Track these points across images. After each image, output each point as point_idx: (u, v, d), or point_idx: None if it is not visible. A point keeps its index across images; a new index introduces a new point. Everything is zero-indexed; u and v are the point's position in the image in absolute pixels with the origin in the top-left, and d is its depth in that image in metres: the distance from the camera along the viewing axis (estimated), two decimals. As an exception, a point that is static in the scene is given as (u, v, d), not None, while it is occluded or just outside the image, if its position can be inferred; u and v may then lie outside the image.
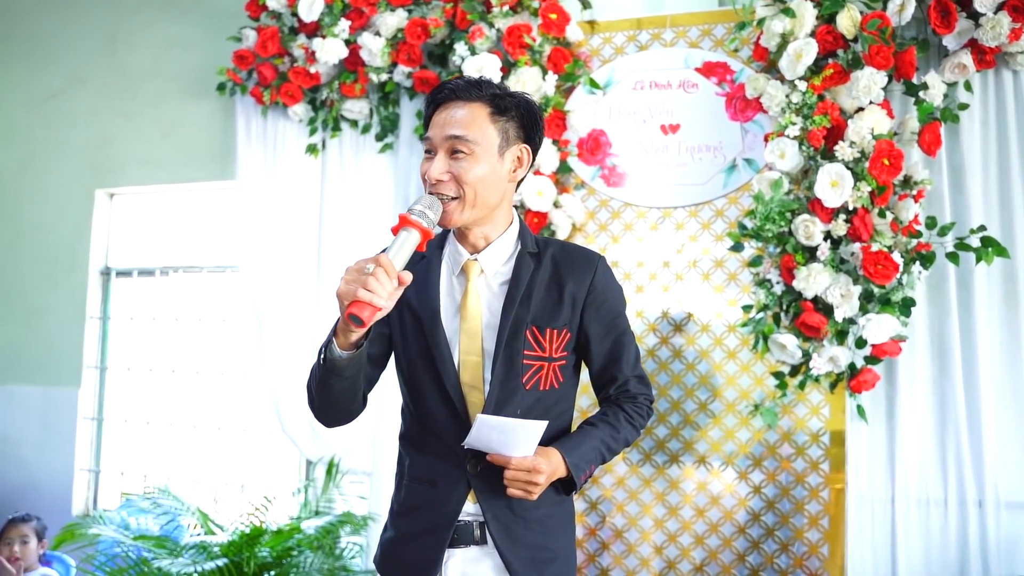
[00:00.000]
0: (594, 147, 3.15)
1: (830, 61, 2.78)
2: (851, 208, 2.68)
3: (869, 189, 2.65)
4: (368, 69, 3.26)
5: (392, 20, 3.19)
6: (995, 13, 2.66)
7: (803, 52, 2.74)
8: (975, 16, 2.71)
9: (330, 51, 3.22)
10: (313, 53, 3.29)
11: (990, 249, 2.62)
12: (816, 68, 2.79)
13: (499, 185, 1.61)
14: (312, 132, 3.48)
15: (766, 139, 2.85)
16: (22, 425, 4.07)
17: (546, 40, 3.08)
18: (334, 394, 1.55)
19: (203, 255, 3.94)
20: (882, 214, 2.66)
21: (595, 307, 1.67)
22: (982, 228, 2.64)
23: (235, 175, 3.61)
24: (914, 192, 2.71)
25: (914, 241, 2.70)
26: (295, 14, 3.38)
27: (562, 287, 1.65)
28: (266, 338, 3.44)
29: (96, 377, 4.06)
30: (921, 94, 2.73)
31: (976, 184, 2.79)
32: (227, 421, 3.79)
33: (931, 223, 2.69)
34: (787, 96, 2.78)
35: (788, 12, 2.78)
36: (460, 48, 3.10)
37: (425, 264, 1.65)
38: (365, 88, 3.34)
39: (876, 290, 2.67)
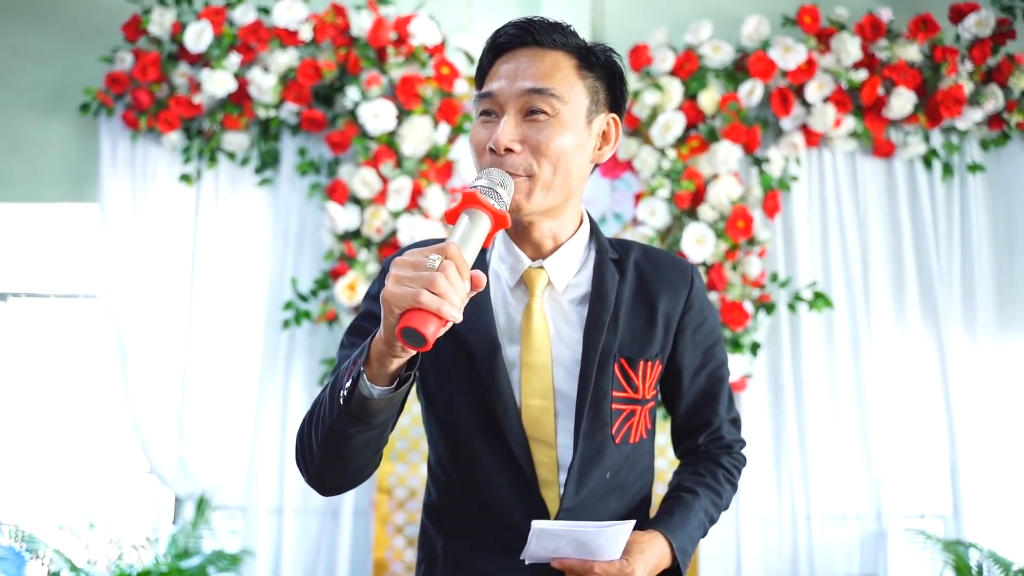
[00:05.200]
0: (477, 194, 3.34)
1: (692, 133, 3.17)
2: (708, 263, 3.08)
3: (725, 247, 3.05)
4: (256, 104, 3.28)
5: (283, 58, 3.24)
6: (823, 103, 3.17)
7: (672, 124, 3.12)
8: (807, 104, 3.21)
9: (219, 84, 3.21)
10: (198, 84, 3.26)
11: (819, 300, 3.11)
12: (682, 136, 3.17)
13: (583, 164, 1.20)
14: (187, 160, 3.42)
15: (637, 197, 3.19)
16: None
17: (437, 93, 3.26)
18: (350, 449, 1.08)
19: (51, 281, 3.71)
20: (734, 268, 3.08)
21: (691, 330, 1.31)
22: (814, 283, 3.12)
23: (95, 198, 3.46)
24: (758, 250, 3.15)
25: (757, 292, 3.13)
26: (176, 41, 3.33)
27: (653, 304, 1.27)
28: (131, 370, 3.31)
29: (-86, 410, 3.69)
30: (763, 166, 3.19)
31: (804, 244, 3.28)
32: (80, 454, 3.59)
33: (773, 277, 3.14)
34: (658, 162, 3.14)
35: (658, 87, 3.15)
36: (351, 91, 3.20)
37: None
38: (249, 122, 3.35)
39: (729, 335, 3.07)
